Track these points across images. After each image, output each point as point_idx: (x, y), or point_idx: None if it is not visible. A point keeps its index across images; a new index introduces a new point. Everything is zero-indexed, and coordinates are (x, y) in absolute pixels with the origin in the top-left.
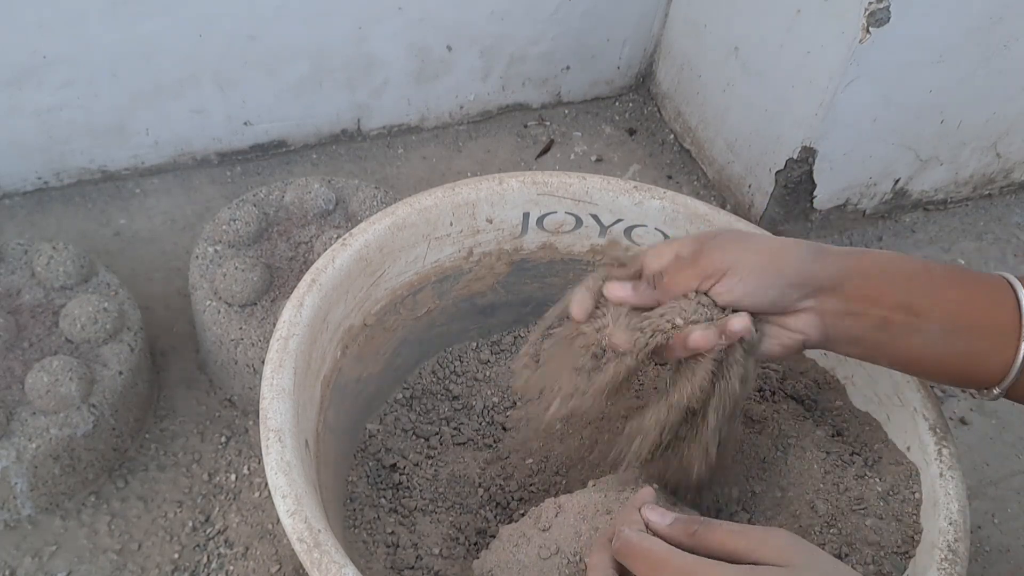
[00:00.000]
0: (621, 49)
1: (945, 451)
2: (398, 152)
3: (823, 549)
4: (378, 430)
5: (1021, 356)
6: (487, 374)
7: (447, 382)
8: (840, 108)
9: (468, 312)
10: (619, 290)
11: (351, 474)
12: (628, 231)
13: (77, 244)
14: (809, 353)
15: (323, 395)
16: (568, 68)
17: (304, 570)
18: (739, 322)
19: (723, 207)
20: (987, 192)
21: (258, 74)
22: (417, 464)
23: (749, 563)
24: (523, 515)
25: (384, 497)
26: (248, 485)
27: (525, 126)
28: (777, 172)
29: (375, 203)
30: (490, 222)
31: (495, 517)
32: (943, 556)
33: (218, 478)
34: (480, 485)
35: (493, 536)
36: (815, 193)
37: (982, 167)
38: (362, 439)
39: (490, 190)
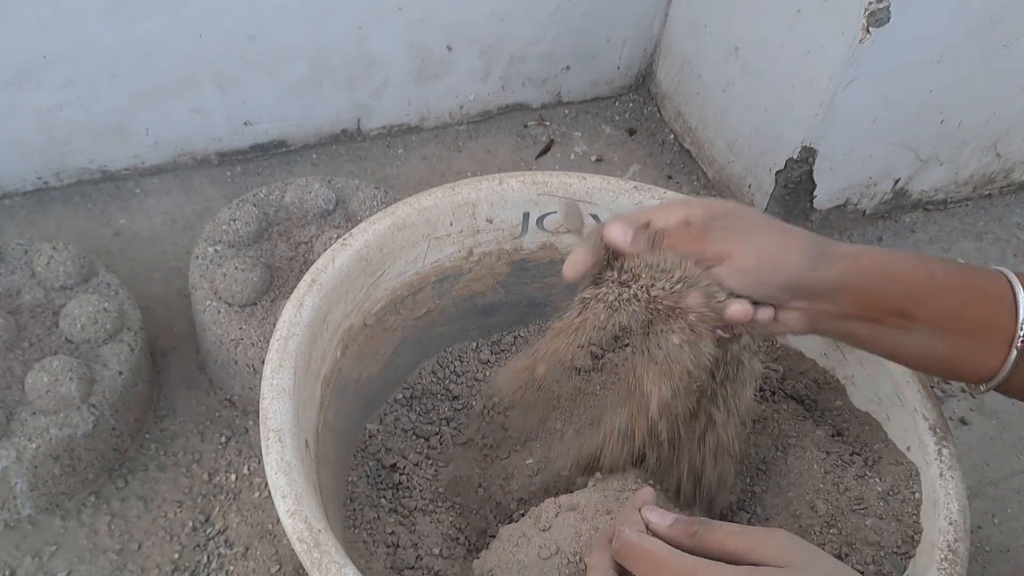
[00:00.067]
0: (621, 49)
1: (945, 451)
2: (398, 152)
3: (823, 549)
4: (378, 430)
5: (1011, 360)
6: (487, 374)
7: (447, 382)
8: (840, 108)
9: (468, 312)
10: (618, 233)
11: (351, 474)
12: None
13: (77, 244)
14: (809, 353)
15: (323, 395)
16: (568, 68)
17: (304, 570)
18: (737, 310)
19: None
20: (987, 192)
21: (258, 74)
22: (417, 464)
23: (749, 564)
24: (523, 515)
25: (384, 497)
26: (248, 485)
27: (525, 126)
28: (777, 172)
29: (375, 203)
30: (490, 222)
31: (495, 517)
32: (943, 556)
33: (218, 478)
34: (480, 485)
35: (493, 536)
36: (815, 193)
37: (982, 167)
38: (362, 439)
39: (490, 190)
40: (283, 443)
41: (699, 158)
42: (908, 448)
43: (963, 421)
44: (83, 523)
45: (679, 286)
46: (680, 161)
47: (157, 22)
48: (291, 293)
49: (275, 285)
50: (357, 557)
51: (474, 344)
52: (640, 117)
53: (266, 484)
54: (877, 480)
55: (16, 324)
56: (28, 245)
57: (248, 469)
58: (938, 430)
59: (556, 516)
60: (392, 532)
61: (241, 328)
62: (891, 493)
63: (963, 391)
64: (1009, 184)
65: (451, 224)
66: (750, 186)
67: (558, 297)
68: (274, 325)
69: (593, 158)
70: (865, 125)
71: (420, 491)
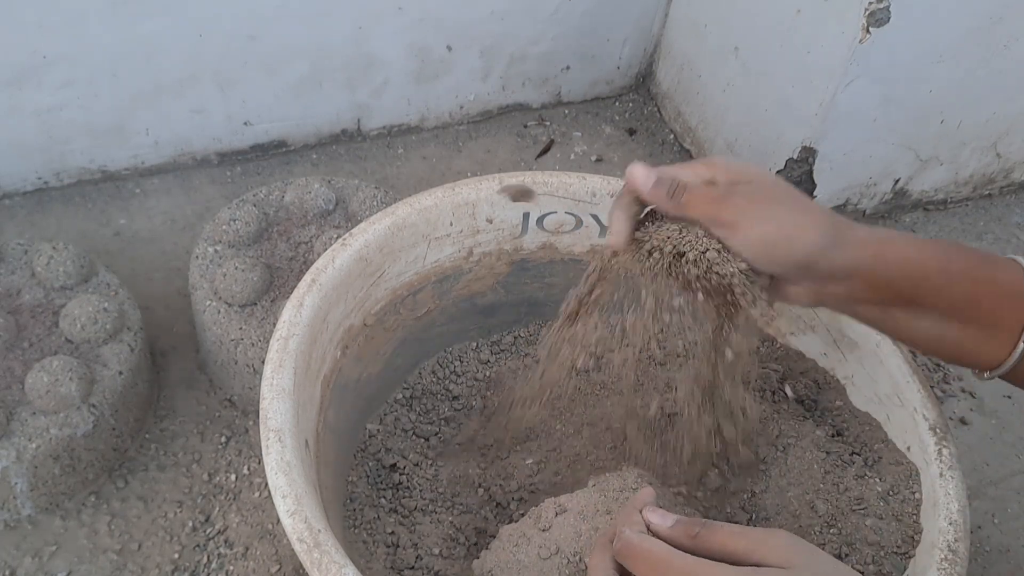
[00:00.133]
0: (621, 49)
1: (945, 451)
2: (398, 152)
3: (823, 549)
4: (378, 430)
5: (1019, 350)
6: (487, 374)
7: (447, 382)
8: (840, 108)
9: (468, 312)
10: (641, 175)
11: (351, 474)
12: None
13: (77, 244)
14: (809, 353)
15: (323, 395)
16: (568, 68)
17: (304, 570)
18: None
19: None
20: (987, 192)
21: (258, 74)
22: (417, 464)
23: (750, 565)
24: (523, 515)
25: (384, 497)
26: (248, 485)
27: (525, 126)
28: (777, 172)
29: (375, 203)
30: (490, 222)
31: (495, 517)
32: (943, 556)
33: (218, 478)
34: (480, 485)
35: (493, 536)
36: (815, 193)
37: (982, 167)
38: (362, 439)
39: (490, 190)
40: (283, 443)
41: (699, 158)
42: (908, 448)
43: (963, 421)
44: (83, 523)
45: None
46: (680, 161)
47: (157, 22)
48: (291, 293)
49: (275, 285)
50: (357, 557)
51: (474, 344)
52: (640, 117)
53: (266, 484)
54: (877, 480)
55: (16, 324)
56: (28, 245)
57: (248, 469)
58: (938, 430)
59: (556, 516)
60: (392, 532)
61: (241, 328)
62: (891, 493)
63: (961, 391)
64: (1009, 184)
65: (451, 224)
66: None
67: (558, 297)
68: (274, 325)
69: (593, 158)
70: (865, 125)
71: (420, 491)
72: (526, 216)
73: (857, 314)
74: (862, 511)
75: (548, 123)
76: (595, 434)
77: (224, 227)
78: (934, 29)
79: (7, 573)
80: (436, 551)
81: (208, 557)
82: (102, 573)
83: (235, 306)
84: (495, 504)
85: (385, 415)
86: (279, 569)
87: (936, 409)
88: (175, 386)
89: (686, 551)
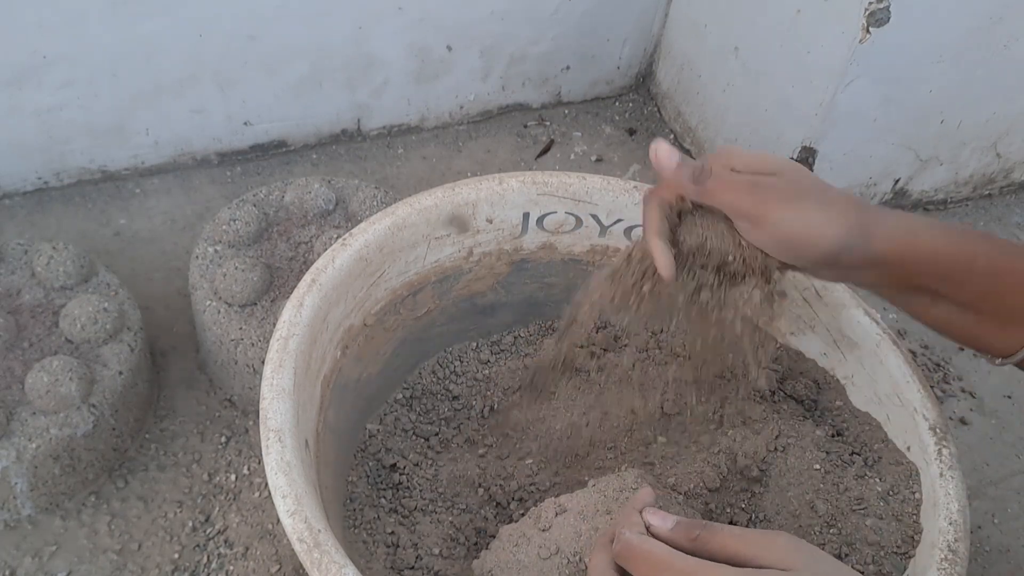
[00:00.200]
0: (621, 49)
1: (945, 451)
2: (398, 152)
3: (823, 549)
4: (378, 430)
5: None
6: (487, 374)
7: (447, 382)
8: (840, 108)
9: (468, 312)
10: (665, 154)
11: (351, 474)
12: (628, 231)
13: (77, 244)
14: (809, 353)
15: (323, 395)
16: (568, 68)
17: (304, 570)
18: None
19: None
20: (987, 192)
21: (258, 74)
22: (417, 464)
23: (752, 567)
24: (523, 515)
25: (384, 497)
26: (248, 485)
27: (525, 126)
28: None
29: (375, 203)
30: (490, 222)
31: (495, 517)
32: (943, 556)
33: (218, 478)
34: (480, 485)
35: (493, 536)
36: None
37: (982, 167)
38: (362, 439)
39: (490, 190)
40: (283, 443)
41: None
42: (908, 448)
43: (963, 421)
44: (83, 523)
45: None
46: None
47: (157, 22)
48: (291, 293)
49: (275, 285)
50: (357, 557)
51: (474, 344)
52: (640, 117)
53: (266, 484)
54: (877, 480)
55: (16, 324)
56: (28, 245)
57: (248, 469)
58: (938, 430)
59: (556, 516)
60: (392, 532)
61: (241, 328)
62: (891, 493)
63: (961, 391)
64: (1009, 184)
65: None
66: None
67: (558, 297)
68: (274, 325)
69: (593, 158)
70: (865, 125)
71: (420, 491)
72: (526, 216)
73: (874, 292)
74: (862, 511)
75: (548, 123)
76: (595, 434)
77: (224, 227)
78: (934, 29)
79: (7, 573)
80: (436, 551)
81: (208, 557)
82: (102, 573)
83: (235, 306)
84: (495, 504)
85: (385, 415)
86: (279, 569)
87: (936, 409)
88: (175, 386)
89: (686, 553)
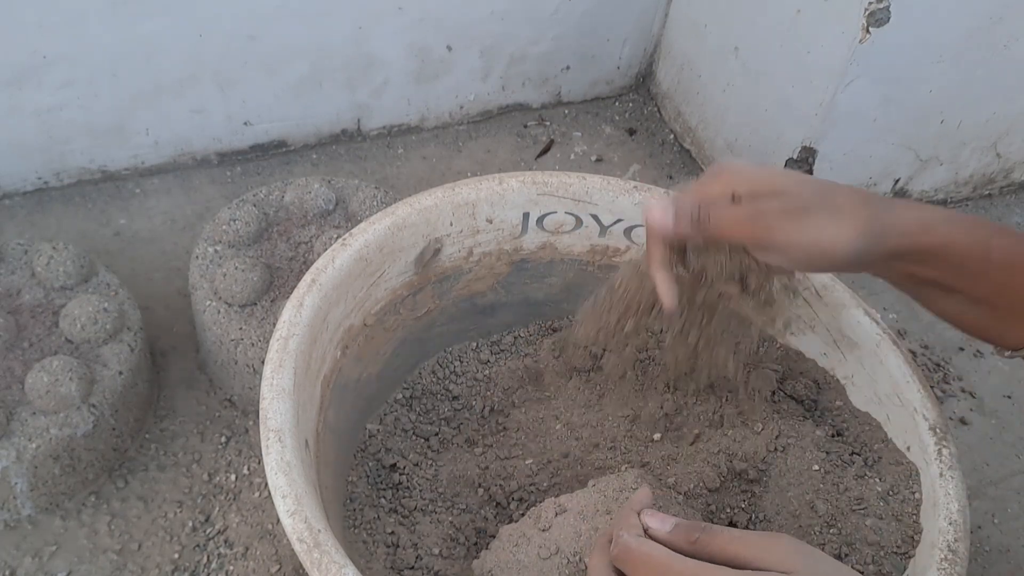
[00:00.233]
0: (621, 49)
1: (945, 451)
2: (398, 152)
3: (823, 549)
4: (378, 430)
5: None
6: (487, 374)
7: (447, 382)
8: (840, 108)
9: (468, 312)
10: (658, 216)
11: (351, 474)
12: (628, 231)
13: (77, 244)
14: (809, 353)
15: (323, 395)
16: (568, 68)
17: (304, 570)
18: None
19: None
20: (987, 192)
21: (258, 74)
22: (417, 464)
23: (752, 570)
24: (523, 515)
25: (384, 497)
26: (248, 485)
27: (525, 126)
28: None
29: (375, 203)
30: (490, 222)
31: (495, 517)
32: (943, 556)
33: (218, 478)
34: (480, 485)
35: (493, 536)
36: None
37: (982, 167)
38: (362, 439)
39: (490, 190)
40: (283, 443)
41: (699, 158)
42: (908, 448)
43: (963, 421)
44: (83, 523)
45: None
46: (680, 161)
47: (157, 22)
48: (291, 293)
49: (275, 285)
50: (357, 557)
51: (474, 344)
52: (640, 117)
53: (266, 484)
54: (877, 480)
55: (16, 324)
56: (28, 245)
57: (248, 469)
58: (938, 430)
59: (556, 516)
60: (392, 532)
61: (241, 328)
62: (891, 493)
63: (961, 391)
64: (1009, 184)
65: (451, 224)
66: None
67: (558, 297)
68: (274, 325)
69: (593, 158)
70: (865, 125)
71: (420, 491)
72: (526, 216)
73: (889, 281)
74: (862, 511)
75: (548, 123)
76: (594, 434)
77: (224, 227)
78: (934, 29)
79: (7, 573)
80: (436, 551)
81: (208, 557)
82: (102, 573)
83: (235, 306)
84: (495, 504)
85: (385, 415)
86: (279, 569)
87: (936, 409)
88: (175, 386)
89: (686, 555)
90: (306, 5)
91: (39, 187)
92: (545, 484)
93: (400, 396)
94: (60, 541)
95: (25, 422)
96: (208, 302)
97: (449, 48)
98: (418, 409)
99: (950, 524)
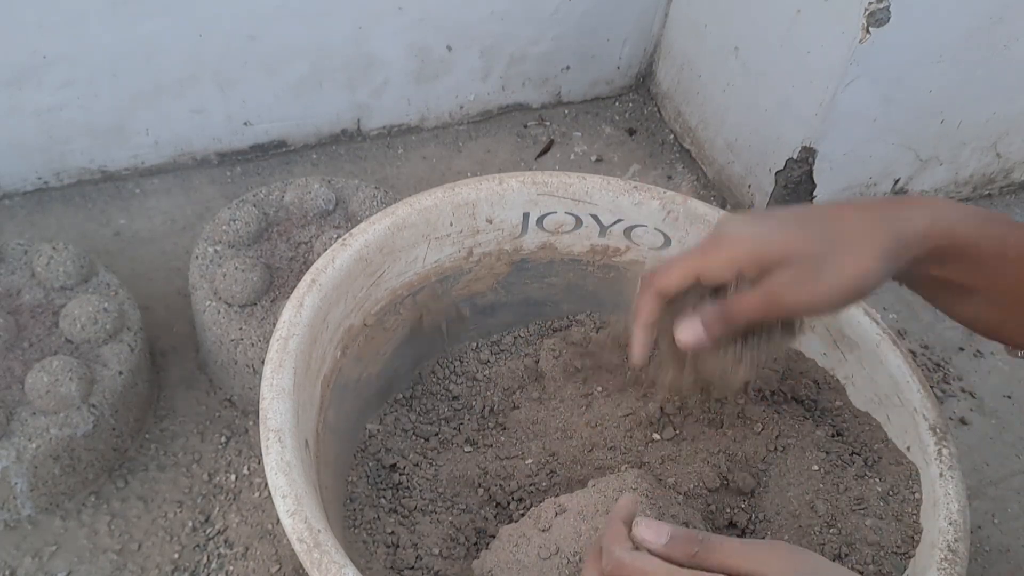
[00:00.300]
0: (621, 49)
1: (945, 451)
2: (398, 152)
3: (823, 549)
4: (378, 430)
5: None
6: (487, 374)
7: (447, 382)
8: (840, 108)
9: (468, 312)
10: (691, 334)
11: (351, 474)
12: (628, 231)
13: (77, 244)
14: (809, 353)
15: (323, 395)
16: (568, 68)
17: (304, 570)
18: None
19: (723, 207)
20: (987, 192)
21: (258, 74)
22: (417, 464)
23: None
24: (523, 515)
25: (384, 497)
26: (248, 485)
27: (525, 126)
28: (777, 172)
29: (375, 203)
30: (490, 222)
31: (495, 517)
32: (943, 556)
33: (218, 478)
34: (480, 485)
35: (493, 536)
36: (815, 193)
37: (982, 167)
38: (362, 439)
39: (490, 190)
40: (283, 443)
41: (699, 158)
42: (908, 448)
43: (963, 421)
44: (83, 523)
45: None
46: (680, 161)
47: (157, 22)
48: (291, 293)
49: (275, 285)
50: (357, 557)
51: (474, 344)
52: (640, 117)
53: (266, 484)
54: (877, 480)
55: (16, 324)
56: (28, 245)
57: (248, 469)
58: (938, 430)
59: (556, 516)
60: (392, 532)
61: (241, 328)
62: (891, 493)
63: (961, 391)
64: (1009, 184)
65: (451, 224)
66: (750, 186)
67: (558, 297)
68: (274, 325)
69: (593, 158)
70: (865, 125)
71: (420, 491)
72: (526, 216)
73: (910, 287)
74: (862, 511)
75: (548, 123)
76: (594, 434)
77: (224, 227)
78: (934, 29)
79: (7, 573)
80: (436, 551)
81: (208, 557)
82: (102, 573)
83: (235, 306)
84: (495, 504)
85: (385, 415)
86: (279, 569)
87: (936, 409)
88: (175, 386)
89: (683, 568)
90: (306, 5)
91: (39, 187)
92: (545, 484)
93: (400, 396)
94: (60, 541)
95: (25, 422)
96: (208, 302)
97: (449, 48)
98: (418, 409)
99: (950, 524)
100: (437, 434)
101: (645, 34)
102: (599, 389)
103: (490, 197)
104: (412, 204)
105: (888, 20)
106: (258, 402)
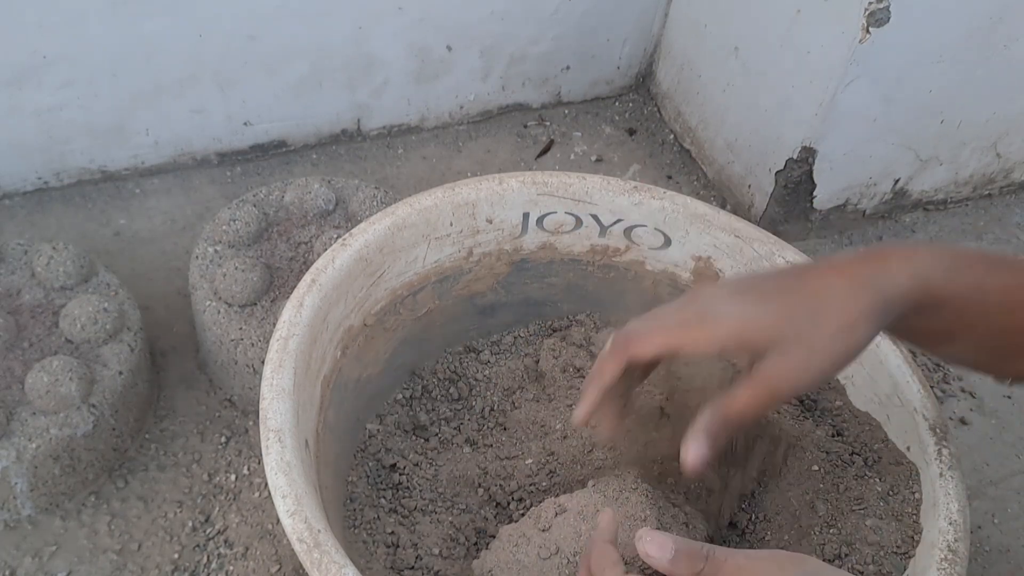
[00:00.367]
0: (621, 49)
1: (945, 451)
2: (398, 152)
3: (823, 549)
4: (378, 430)
5: None
6: (487, 374)
7: (447, 382)
8: (840, 108)
9: (468, 312)
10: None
11: (351, 474)
12: (628, 231)
13: (77, 244)
14: None
15: (323, 395)
16: (568, 68)
17: (304, 570)
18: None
19: (723, 207)
20: (987, 192)
21: (258, 74)
22: (417, 464)
23: None
24: (523, 515)
25: (384, 497)
26: (248, 485)
27: (525, 126)
28: (777, 172)
29: (375, 203)
30: (490, 222)
31: (495, 517)
32: (943, 556)
33: (218, 478)
34: (480, 485)
35: (493, 536)
36: (815, 193)
37: (982, 167)
38: (362, 439)
39: (490, 190)
40: (283, 443)
41: (699, 158)
42: (908, 448)
43: (963, 421)
44: (83, 523)
45: None
46: (680, 161)
47: (157, 22)
48: (291, 293)
49: (275, 285)
50: (357, 557)
51: (474, 344)
52: (640, 117)
53: (266, 484)
54: (877, 480)
55: (16, 324)
56: (28, 245)
57: (248, 469)
58: (938, 430)
59: (556, 516)
60: (392, 532)
61: (241, 328)
62: (891, 493)
63: (961, 391)
64: (1009, 184)
65: (451, 224)
66: (750, 186)
67: (558, 297)
68: (274, 325)
69: (593, 158)
70: (865, 125)
71: (420, 491)
72: (526, 216)
73: (893, 336)
74: (862, 511)
75: (548, 123)
76: (594, 434)
77: (224, 227)
78: (934, 29)
79: (7, 573)
80: (436, 551)
81: (208, 557)
82: (102, 573)
83: (235, 306)
84: (495, 504)
85: (385, 415)
86: (279, 569)
87: (936, 409)
88: (175, 386)
89: None
90: (306, 5)
91: (39, 187)
92: (545, 484)
93: (400, 396)
94: (60, 541)
95: (25, 422)
96: (208, 302)
97: (449, 48)
98: (418, 409)
99: (950, 524)
100: (437, 434)
101: (645, 34)
102: None
103: (490, 197)
104: (412, 204)
105: (888, 20)
106: (258, 402)
